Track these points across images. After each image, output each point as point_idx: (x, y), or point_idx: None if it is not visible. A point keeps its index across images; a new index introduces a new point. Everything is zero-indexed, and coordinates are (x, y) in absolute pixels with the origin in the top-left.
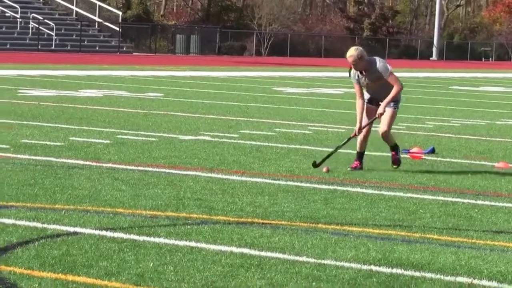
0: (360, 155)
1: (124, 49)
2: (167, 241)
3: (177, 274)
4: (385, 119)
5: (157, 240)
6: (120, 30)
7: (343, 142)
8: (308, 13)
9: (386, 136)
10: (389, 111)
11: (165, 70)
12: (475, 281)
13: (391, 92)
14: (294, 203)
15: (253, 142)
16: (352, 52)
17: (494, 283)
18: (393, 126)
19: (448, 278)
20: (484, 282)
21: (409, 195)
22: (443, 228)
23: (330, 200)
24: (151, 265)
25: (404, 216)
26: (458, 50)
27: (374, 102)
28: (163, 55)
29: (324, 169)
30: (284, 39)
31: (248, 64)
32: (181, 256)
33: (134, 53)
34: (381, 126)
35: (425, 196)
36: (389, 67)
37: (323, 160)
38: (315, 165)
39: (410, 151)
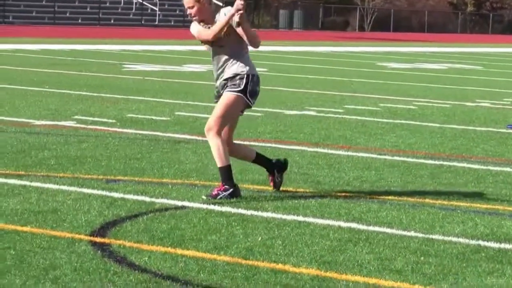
0: (260, 162)
1: None
2: (274, 215)
3: (285, 248)
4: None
5: (264, 214)
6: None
7: None
8: None
9: (208, 133)
10: (225, 96)
11: (269, 45)
12: None
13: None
14: (400, 178)
15: (358, 117)
16: None
17: None
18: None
19: None
20: None
21: None
22: None
23: (437, 175)
24: (259, 239)
25: None
26: None
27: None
28: (266, 30)
29: None
30: (387, 15)
31: (351, 40)
32: (289, 230)
33: None
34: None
35: None
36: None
37: None
38: None
39: None
